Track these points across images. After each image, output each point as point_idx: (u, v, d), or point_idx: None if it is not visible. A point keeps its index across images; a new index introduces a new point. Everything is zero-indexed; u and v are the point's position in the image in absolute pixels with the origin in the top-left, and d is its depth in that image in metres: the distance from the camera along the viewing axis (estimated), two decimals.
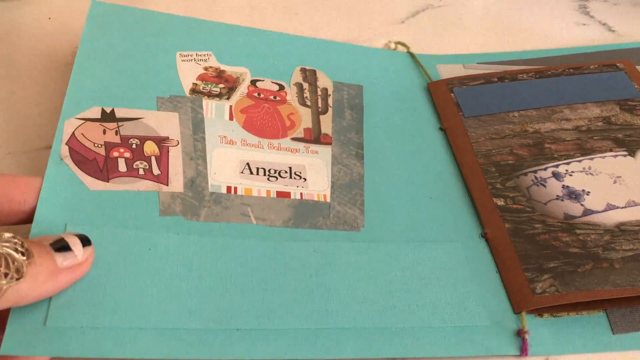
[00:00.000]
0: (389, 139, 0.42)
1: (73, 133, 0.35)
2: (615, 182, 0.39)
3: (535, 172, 0.40)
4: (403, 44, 0.52)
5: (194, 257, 0.32)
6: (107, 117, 0.36)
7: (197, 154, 0.37)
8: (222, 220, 0.34)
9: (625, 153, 0.41)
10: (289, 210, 0.36)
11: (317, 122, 0.42)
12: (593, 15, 0.56)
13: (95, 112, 0.36)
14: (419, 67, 0.50)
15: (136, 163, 0.35)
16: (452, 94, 0.46)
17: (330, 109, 0.43)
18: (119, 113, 0.37)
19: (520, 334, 0.33)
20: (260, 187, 0.36)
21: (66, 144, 0.34)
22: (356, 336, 0.31)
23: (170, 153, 0.36)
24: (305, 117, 0.42)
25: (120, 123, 0.36)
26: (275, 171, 0.38)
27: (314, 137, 0.41)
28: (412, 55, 0.51)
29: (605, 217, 0.37)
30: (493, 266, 0.36)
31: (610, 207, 0.37)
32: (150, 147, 0.36)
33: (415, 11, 0.55)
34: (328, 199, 0.37)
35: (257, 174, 0.37)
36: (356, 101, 0.44)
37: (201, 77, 0.41)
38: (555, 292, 0.33)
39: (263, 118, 0.41)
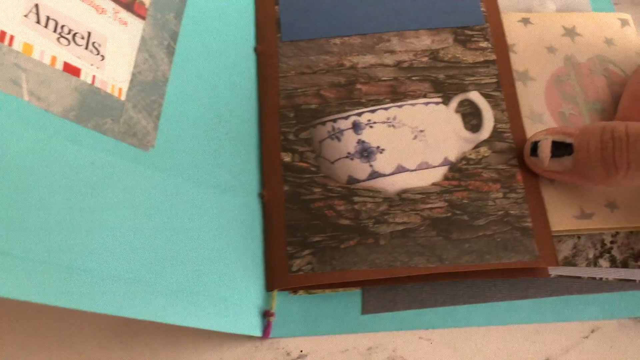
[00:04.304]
0: (205, 46, 0.35)
1: None
2: (415, 137, 0.35)
3: (335, 120, 0.36)
4: None
5: None
6: None
7: None
8: None
9: (439, 100, 0.36)
10: (74, 97, 0.27)
11: None
12: None
13: None
14: None
15: None
16: (276, 7, 0.41)
17: None
18: None
19: (266, 315, 0.32)
20: (46, 48, 0.26)
21: None
22: (110, 286, 0.26)
23: None
24: None
25: None
26: (70, 31, 0.28)
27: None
28: None
29: (390, 183, 0.34)
30: (262, 235, 0.34)
31: (399, 170, 0.34)
32: None
33: None
34: (123, 97, 0.29)
35: (46, 26, 0.27)
36: None
37: None
38: (310, 271, 0.32)
39: None
